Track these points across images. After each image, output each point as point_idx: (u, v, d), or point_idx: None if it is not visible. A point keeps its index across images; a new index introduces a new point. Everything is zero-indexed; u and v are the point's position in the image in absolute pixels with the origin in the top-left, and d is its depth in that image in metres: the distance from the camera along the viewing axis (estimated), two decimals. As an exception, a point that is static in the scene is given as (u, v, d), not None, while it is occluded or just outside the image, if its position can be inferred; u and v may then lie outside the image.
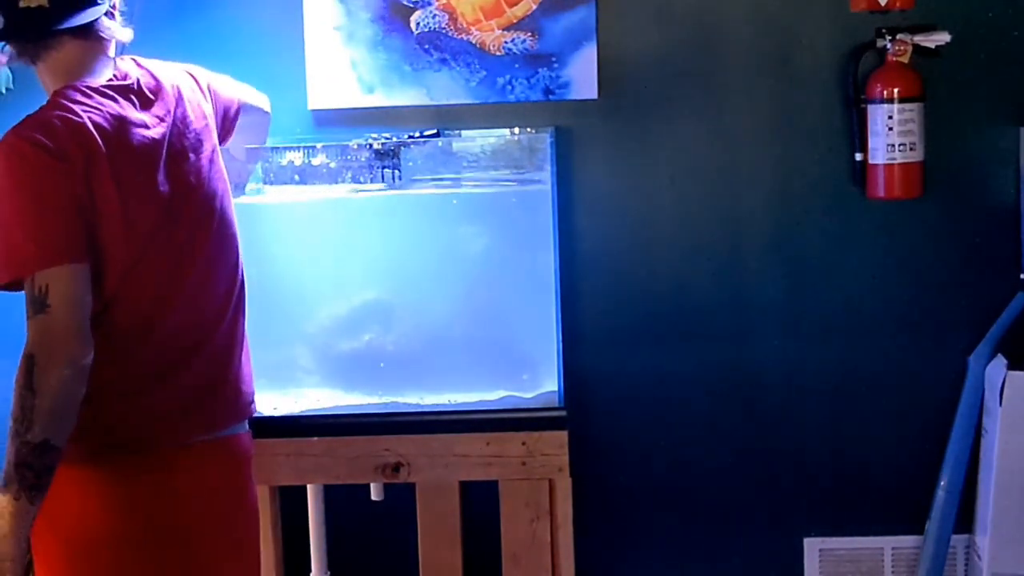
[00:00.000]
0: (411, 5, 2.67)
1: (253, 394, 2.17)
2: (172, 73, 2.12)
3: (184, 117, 2.07)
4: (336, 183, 2.54)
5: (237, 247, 2.14)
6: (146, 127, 1.98)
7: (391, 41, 2.69)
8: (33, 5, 1.91)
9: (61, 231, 1.83)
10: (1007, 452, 2.62)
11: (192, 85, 2.15)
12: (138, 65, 2.08)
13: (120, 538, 1.96)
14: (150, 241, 1.95)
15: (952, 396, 2.74)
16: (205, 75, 2.23)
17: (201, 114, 2.12)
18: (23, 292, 1.84)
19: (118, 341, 1.93)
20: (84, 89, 1.94)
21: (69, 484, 1.91)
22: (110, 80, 1.99)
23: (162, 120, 2.01)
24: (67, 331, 1.80)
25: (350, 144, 2.56)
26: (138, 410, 1.98)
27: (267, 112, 2.46)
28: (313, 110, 2.72)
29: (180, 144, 2.03)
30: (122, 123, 1.94)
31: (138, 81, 2.02)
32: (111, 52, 2.02)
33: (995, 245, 2.71)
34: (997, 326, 2.70)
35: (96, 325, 1.87)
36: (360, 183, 2.53)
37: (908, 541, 2.80)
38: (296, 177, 2.55)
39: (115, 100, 1.96)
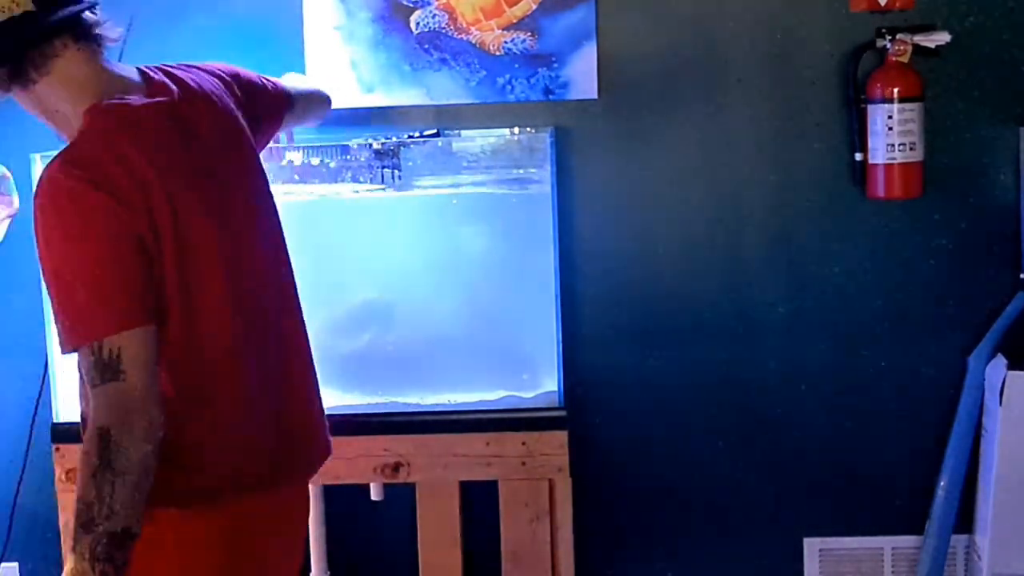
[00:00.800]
0: (411, 5, 2.67)
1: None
2: (204, 76, 1.91)
3: (223, 118, 1.88)
4: (336, 183, 2.54)
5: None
6: (195, 135, 1.78)
7: (391, 41, 2.69)
8: (17, 12, 1.65)
9: (131, 286, 1.62)
10: (1007, 452, 2.62)
11: (224, 86, 1.95)
12: (163, 71, 1.86)
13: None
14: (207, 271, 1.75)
15: (952, 396, 2.73)
16: (240, 75, 2.03)
17: (234, 118, 1.91)
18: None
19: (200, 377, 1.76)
20: (118, 105, 1.71)
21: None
22: (138, 85, 1.77)
23: (198, 128, 1.81)
24: (145, 399, 1.59)
25: (350, 144, 2.56)
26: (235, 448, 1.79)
27: (321, 105, 2.42)
28: (313, 110, 2.72)
29: (217, 154, 1.83)
30: (167, 139, 1.74)
31: (166, 87, 1.80)
32: (106, 57, 1.78)
33: (995, 245, 2.70)
34: (997, 326, 2.70)
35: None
36: (360, 182, 2.54)
37: (908, 541, 2.80)
38: (296, 177, 2.55)
39: (152, 113, 1.75)
